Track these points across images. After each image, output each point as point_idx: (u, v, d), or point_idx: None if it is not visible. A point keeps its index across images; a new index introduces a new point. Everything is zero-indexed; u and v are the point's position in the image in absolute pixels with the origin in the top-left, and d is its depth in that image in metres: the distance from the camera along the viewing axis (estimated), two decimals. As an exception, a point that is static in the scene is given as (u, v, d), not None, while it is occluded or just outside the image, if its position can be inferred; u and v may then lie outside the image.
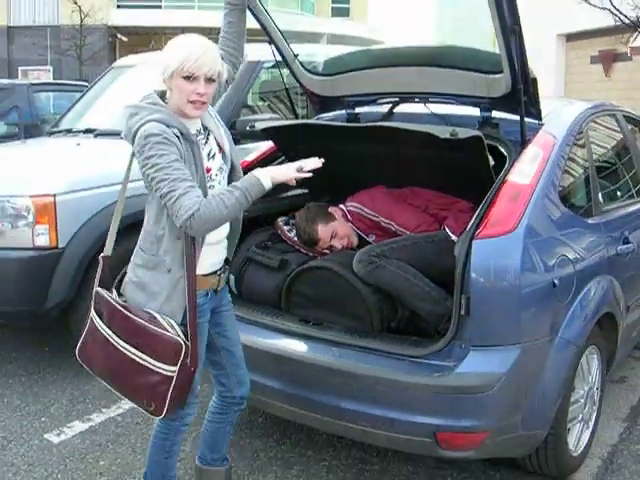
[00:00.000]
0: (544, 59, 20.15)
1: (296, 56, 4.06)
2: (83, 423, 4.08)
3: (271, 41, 3.90)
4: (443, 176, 3.94)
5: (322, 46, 7.29)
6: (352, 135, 3.88)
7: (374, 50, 4.56)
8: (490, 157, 3.38)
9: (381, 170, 4.13)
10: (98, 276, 2.91)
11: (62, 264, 4.39)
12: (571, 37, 21.25)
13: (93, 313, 2.83)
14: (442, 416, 2.93)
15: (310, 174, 2.70)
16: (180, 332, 2.67)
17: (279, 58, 4.01)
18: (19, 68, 28.07)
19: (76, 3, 25.01)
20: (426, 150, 3.74)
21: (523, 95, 3.21)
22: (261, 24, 3.78)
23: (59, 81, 12.64)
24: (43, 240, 4.35)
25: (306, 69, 4.11)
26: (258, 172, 2.66)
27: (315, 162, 2.72)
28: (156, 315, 2.69)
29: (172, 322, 2.69)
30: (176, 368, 2.66)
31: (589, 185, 3.75)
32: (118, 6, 29.47)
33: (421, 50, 4.05)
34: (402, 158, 4.01)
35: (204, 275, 2.79)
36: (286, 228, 3.99)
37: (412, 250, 3.53)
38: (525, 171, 3.19)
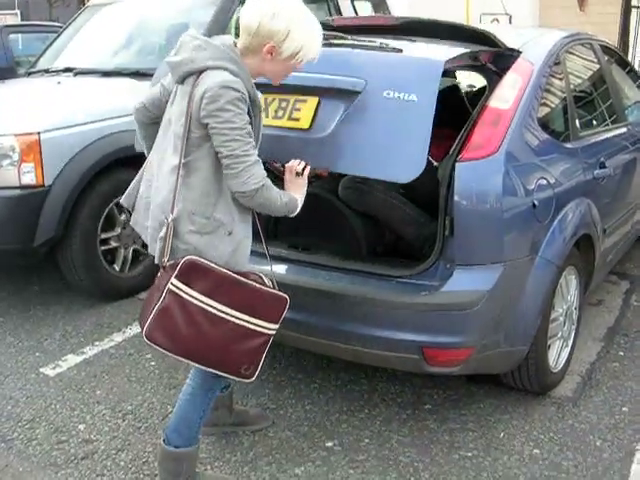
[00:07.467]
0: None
1: None
2: (77, 356, 4.15)
3: None
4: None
5: None
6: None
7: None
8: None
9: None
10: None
11: (49, 202, 4.41)
12: (546, -29, 21.09)
13: (179, 285, 2.48)
14: (429, 333, 3.03)
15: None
16: None
17: None
18: (-15, 12, 27.35)
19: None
20: None
21: None
22: None
23: (33, 22, 12.39)
24: (29, 178, 4.36)
25: None
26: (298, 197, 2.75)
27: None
28: (260, 274, 2.65)
29: None
30: (278, 325, 2.65)
31: (567, 111, 3.81)
32: (85, -55, 28.80)
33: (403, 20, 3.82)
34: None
35: None
36: (272, 158, 4.01)
37: (395, 176, 3.60)
38: (505, 97, 3.24)
